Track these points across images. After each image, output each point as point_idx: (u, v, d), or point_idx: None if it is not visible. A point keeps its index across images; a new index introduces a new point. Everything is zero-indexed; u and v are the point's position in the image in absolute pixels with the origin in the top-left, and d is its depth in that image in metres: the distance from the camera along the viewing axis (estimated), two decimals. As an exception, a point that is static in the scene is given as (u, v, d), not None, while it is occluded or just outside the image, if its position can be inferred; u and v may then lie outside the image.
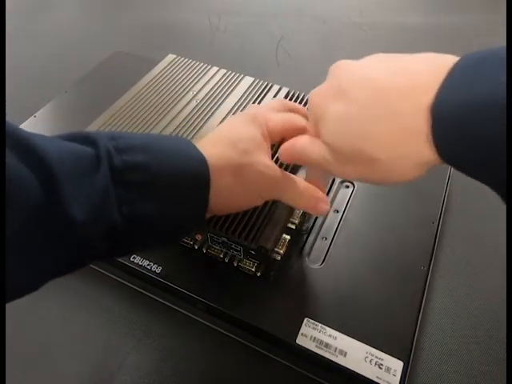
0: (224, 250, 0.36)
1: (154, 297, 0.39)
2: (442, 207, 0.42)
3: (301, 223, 0.37)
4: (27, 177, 0.20)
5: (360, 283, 0.36)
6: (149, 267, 0.37)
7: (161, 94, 0.44)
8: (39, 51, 0.73)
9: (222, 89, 0.45)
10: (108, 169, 0.24)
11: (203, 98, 0.43)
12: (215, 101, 0.43)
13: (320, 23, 0.80)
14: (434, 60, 0.21)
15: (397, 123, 0.21)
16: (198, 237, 0.36)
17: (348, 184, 0.44)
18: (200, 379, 0.35)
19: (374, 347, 0.32)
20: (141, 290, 0.40)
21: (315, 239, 0.40)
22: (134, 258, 0.38)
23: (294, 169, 0.36)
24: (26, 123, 0.51)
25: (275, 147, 0.34)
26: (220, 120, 0.41)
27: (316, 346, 0.32)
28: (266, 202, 0.34)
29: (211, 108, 0.42)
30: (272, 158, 0.30)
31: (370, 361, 0.32)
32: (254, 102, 0.43)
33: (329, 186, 0.44)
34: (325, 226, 0.41)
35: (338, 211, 0.42)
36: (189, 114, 0.41)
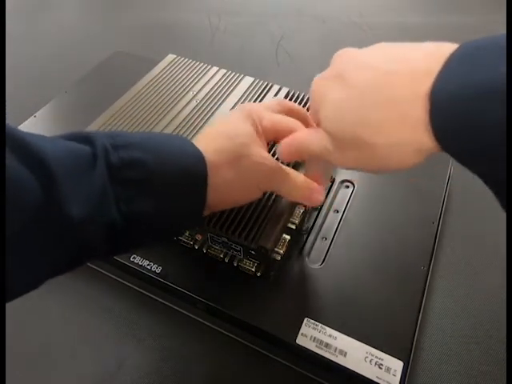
0: (224, 250, 0.36)
1: (154, 297, 0.39)
2: (442, 207, 0.42)
3: (301, 223, 0.37)
4: (26, 178, 0.21)
5: (360, 283, 0.36)
6: (149, 267, 0.37)
7: (161, 93, 0.44)
8: (39, 51, 0.73)
9: (222, 89, 0.45)
10: (105, 166, 0.24)
11: (203, 98, 0.43)
12: (215, 101, 0.43)
13: (320, 23, 0.80)
14: (434, 48, 0.21)
15: (395, 110, 0.21)
16: (198, 237, 0.36)
17: (348, 184, 0.44)
18: (200, 379, 0.35)
19: (374, 347, 0.32)
20: (141, 290, 0.40)
21: (315, 239, 0.39)
22: (134, 257, 0.38)
23: (295, 167, 0.36)
24: (26, 123, 0.51)
25: (269, 146, 0.34)
26: (220, 120, 0.41)
27: (316, 345, 0.32)
28: (266, 202, 0.34)
29: (211, 108, 0.42)
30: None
31: (370, 361, 0.31)
32: (253, 102, 0.43)
33: (328, 181, 0.44)
34: (325, 225, 0.41)
35: (337, 211, 0.42)
36: (189, 114, 0.41)
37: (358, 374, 0.31)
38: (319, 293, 0.36)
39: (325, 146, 0.26)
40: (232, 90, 0.44)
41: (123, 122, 0.40)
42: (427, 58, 0.21)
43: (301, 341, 0.32)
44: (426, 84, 0.20)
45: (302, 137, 0.29)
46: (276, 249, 0.33)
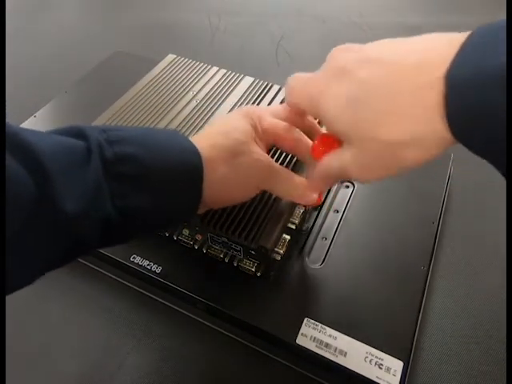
0: (224, 250, 0.36)
1: (154, 297, 0.39)
2: (442, 207, 0.42)
3: (301, 223, 0.37)
4: (21, 174, 0.21)
5: (360, 283, 0.36)
6: (149, 267, 0.37)
7: (161, 94, 0.44)
8: (39, 51, 0.73)
9: (222, 89, 0.45)
10: (99, 161, 0.24)
11: (203, 98, 0.43)
12: (215, 101, 0.43)
13: (320, 23, 0.80)
14: (444, 37, 0.21)
15: (410, 100, 0.21)
16: (198, 237, 0.36)
17: (348, 184, 0.44)
18: (200, 379, 0.35)
19: (374, 347, 0.32)
20: (141, 290, 0.40)
21: (315, 239, 0.39)
22: (134, 257, 0.38)
23: (294, 169, 0.36)
24: (26, 123, 0.51)
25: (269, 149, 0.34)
26: (220, 120, 0.41)
27: (316, 346, 0.32)
28: (266, 202, 0.34)
29: (211, 108, 0.42)
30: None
31: (370, 361, 0.31)
32: (253, 102, 0.43)
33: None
34: (325, 225, 0.41)
35: (337, 211, 0.42)
36: (189, 114, 0.41)
37: (358, 374, 0.31)
38: (319, 293, 0.36)
39: (342, 165, 0.25)
40: (232, 90, 0.44)
41: (123, 122, 0.40)
42: (440, 45, 0.20)
43: (301, 341, 0.32)
44: (439, 71, 0.19)
45: (321, 167, 0.28)
46: (276, 249, 0.33)
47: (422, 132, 0.21)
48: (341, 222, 0.41)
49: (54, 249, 0.23)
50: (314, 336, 0.33)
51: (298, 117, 0.32)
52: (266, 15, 0.83)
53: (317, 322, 0.33)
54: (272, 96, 0.43)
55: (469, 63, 0.19)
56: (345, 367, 0.31)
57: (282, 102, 0.43)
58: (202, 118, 0.41)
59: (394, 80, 0.21)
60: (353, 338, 0.33)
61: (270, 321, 0.34)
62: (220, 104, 0.43)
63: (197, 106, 0.42)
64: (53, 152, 0.22)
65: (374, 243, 0.39)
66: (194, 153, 0.27)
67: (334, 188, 0.44)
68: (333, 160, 0.27)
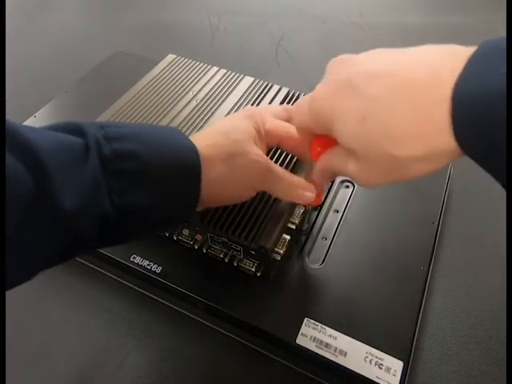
0: (224, 250, 0.36)
1: (154, 297, 0.39)
2: (442, 207, 0.42)
3: (301, 223, 0.37)
4: (19, 170, 0.21)
5: (360, 283, 0.36)
6: (149, 267, 0.37)
7: (161, 94, 0.44)
8: (39, 51, 0.73)
9: (222, 89, 0.45)
10: (97, 158, 0.24)
11: (203, 98, 0.43)
12: (215, 101, 0.43)
13: (320, 23, 0.80)
14: (447, 51, 0.21)
15: (419, 116, 0.21)
16: (198, 237, 0.36)
17: (348, 184, 0.44)
18: (200, 379, 0.35)
19: (374, 347, 0.32)
20: (141, 290, 0.40)
21: (315, 239, 0.39)
22: (134, 257, 0.38)
23: (293, 169, 0.36)
24: (26, 123, 0.51)
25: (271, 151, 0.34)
26: (220, 120, 0.41)
27: (316, 346, 0.32)
28: (266, 202, 0.34)
29: (211, 108, 0.42)
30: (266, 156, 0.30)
31: (370, 361, 0.31)
32: (253, 102, 0.43)
33: (329, 185, 0.44)
34: (325, 225, 0.41)
35: (337, 211, 0.42)
36: (189, 114, 0.41)
37: (358, 374, 0.31)
38: (319, 293, 0.36)
39: (347, 167, 0.25)
40: (232, 90, 0.44)
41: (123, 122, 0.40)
42: (446, 60, 0.20)
43: (301, 341, 0.32)
44: (447, 86, 0.19)
45: (323, 162, 0.27)
46: (276, 249, 0.33)
47: (432, 147, 0.21)
48: (341, 222, 0.41)
49: (53, 246, 0.23)
50: (314, 336, 0.33)
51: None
52: (266, 15, 0.83)
53: (317, 322, 0.33)
54: (272, 96, 0.43)
55: (475, 78, 0.19)
56: (345, 367, 0.31)
57: (282, 103, 0.43)
58: (202, 118, 0.41)
59: (403, 97, 0.21)
60: (353, 337, 0.33)
61: (270, 321, 0.34)
62: (220, 104, 0.43)
63: (197, 106, 0.42)
64: (51, 149, 0.22)
65: (374, 243, 0.39)
66: (193, 151, 0.27)
67: (334, 188, 0.44)
68: (333, 160, 0.26)
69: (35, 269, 0.23)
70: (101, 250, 0.38)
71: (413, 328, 0.33)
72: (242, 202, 0.33)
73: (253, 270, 0.35)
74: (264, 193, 0.34)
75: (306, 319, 0.34)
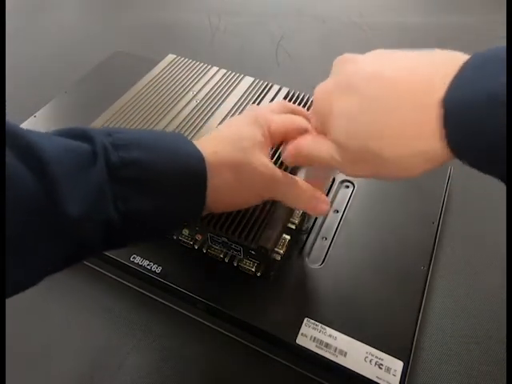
0: (224, 250, 0.36)
1: (154, 297, 0.39)
2: (442, 207, 0.43)
3: (301, 223, 0.37)
4: (26, 176, 0.21)
5: (360, 283, 0.36)
6: (149, 267, 0.37)
7: (161, 93, 0.44)
8: (39, 51, 0.73)
9: (222, 89, 0.45)
10: (104, 165, 0.24)
11: (203, 98, 0.43)
12: (215, 101, 0.43)
13: (320, 23, 0.80)
14: (445, 57, 0.21)
15: (409, 119, 0.21)
16: (198, 237, 0.36)
17: (348, 184, 0.44)
18: (200, 379, 0.35)
19: (374, 347, 0.32)
20: (141, 290, 0.40)
21: (315, 239, 0.40)
22: (134, 257, 0.38)
23: (294, 170, 0.36)
24: (26, 123, 0.51)
25: (274, 149, 0.34)
26: (220, 120, 0.41)
27: (316, 346, 0.32)
28: (266, 202, 0.34)
29: (211, 108, 0.42)
30: (272, 158, 0.30)
31: (370, 361, 0.32)
32: (253, 102, 0.43)
33: (328, 186, 0.44)
34: (325, 225, 0.41)
35: (337, 211, 0.42)
36: (189, 114, 0.41)
37: (358, 374, 0.31)
38: (319, 293, 0.36)
39: (332, 156, 0.26)
40: (232, 90, 0.44)
41: (123, 122, 0.40)
42: (438, 66, 0.21)
43: (301, 341, 0.32)
44: (439, 92, 0.20)
45: (309, 144, 0.28)
46: (276, 249, 0.33)
47: (419, 150, 0.22)
48: (341, 222, 0.41)
49: (57, 251, 0.23)
50: (314, 336, 0.33)
51: (293, 114, 0.32)
52: (266, 15, 0.83)
53: (317, 322, 0.33)
54: (272, 96, 0.43)
55: (468, 86, 0.19)
56: (345, 367, 0.31)
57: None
58: (202, 118, 0.41)
59: (396, 99, 0.22)
60: (353, 338, 0.33)
61: (269, 321, 0.34)
62: (220, 104, 0.43)
63: (197, 106, 0.42)
64: (58, 154, 0.22)
65: (374, 243, 0.39)
66: (199, 158, 0.27)
67: (334, 188, 0.44)
68: (324, 146, 0.27)
69: (39, 274, 0.23)
70: (101, 250, 0.38)
71: (413, 328, 0.33)
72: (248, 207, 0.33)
73: (253, 269, 0.35)
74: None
75: (305, 319, 0.34)
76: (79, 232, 0.23)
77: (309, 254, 0.38)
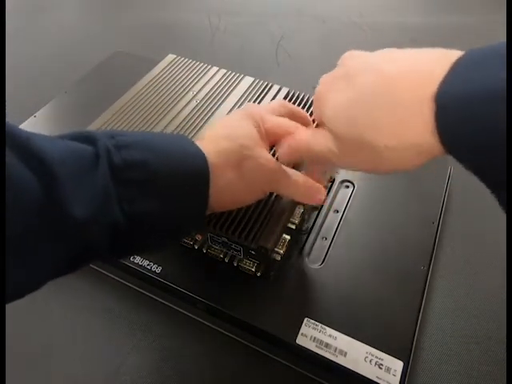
0: (224, 250, 0.36)
1: (154, 297, 0.39)
2: (442, 207, 0.42)
3: (301, 223, 0.37)
4: (28, 178, 0.21)
5: (360, 283, 0.36)
6: (149, 267, 0.37)
7: (161, 93, 0.44)
8: (39, 51, 0.73)
9: (222, 89, 0.45)
10: (107, 167, 0.24)
11: (203, 98, 0.43)
12: (215, 101, 0.43)
13: (320, 23, 0.80)
14: (441, 54, 0.22)
15: (402, 111, 0.22)
16: (198, 237, 0.36)
17: (348, 184, 0.44)
18: (200, 379, 0.35)
19: (374, 347, 0.32)
20: (141, 290, 0.40)
21: (315, 239, 0.40)
22: (134, 257, 0.38)
23: (294, 167, 0.36)
24: (26, 123, 0.51)
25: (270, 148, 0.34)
26: (220, 120, 0.41)
27: (316, 346, 0.32)
28: (266, 202, 0.34)
29: (211, 108, 0.42)
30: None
31: (370, 361, 0.32)
32: (254, 102, 0.43)
33: (329, 185, 0.44)
34: (325, 225, 0.41)
35: (337, 211, 0.42)
36: (189, 114, 0.41)
37: (358, 374, 0.31)
38: (319, 293, 0.36)
39: (329, 148, 0.26)
40: (232, 90, 0.44)
41: (123, 122, 0.40)
42: (434, 63, 0.21)
43: (301, 341, 0.32)
44: (432, 87, 0.20)
45: (306, 138, 0.29)
46: (276, 249, 0.33)
47: (410, 143, 0.22)
48: (341, 222, 0.41)
49: (62, 254, 0.23)
50: (314, 336, 0.33)
51: (293, 114, 0.33)
52: (266, 15, 0.83)
53: (317, 322, 0.33)
54: (272, 96, 0.43)
55: (460, 82, 0.20)
56: (345, 367, 0.31)
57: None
58: (202, 118, 0.41)
59: (389, 91, 0.22)
60: (353, 338, 0.33)
61: (269, 321, 0.34)
62: (220, 104, 0.43)
63: (197, 105, 0.42)
64: (61, 157, 0.22)
65: (374, 243, 0.39)
66: (201, 158, 0.27)
67: (334, 188, 0.44)
68: (320, 139, 0.27)
69: (44, 278, 0.23)
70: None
71: (413, 328, 0.33)
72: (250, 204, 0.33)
73: (253, 269, 0.35)
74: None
75: (305, 319, 0.34)
76: (85, 235, 0.23)
77: (309, 253, 0.38)
